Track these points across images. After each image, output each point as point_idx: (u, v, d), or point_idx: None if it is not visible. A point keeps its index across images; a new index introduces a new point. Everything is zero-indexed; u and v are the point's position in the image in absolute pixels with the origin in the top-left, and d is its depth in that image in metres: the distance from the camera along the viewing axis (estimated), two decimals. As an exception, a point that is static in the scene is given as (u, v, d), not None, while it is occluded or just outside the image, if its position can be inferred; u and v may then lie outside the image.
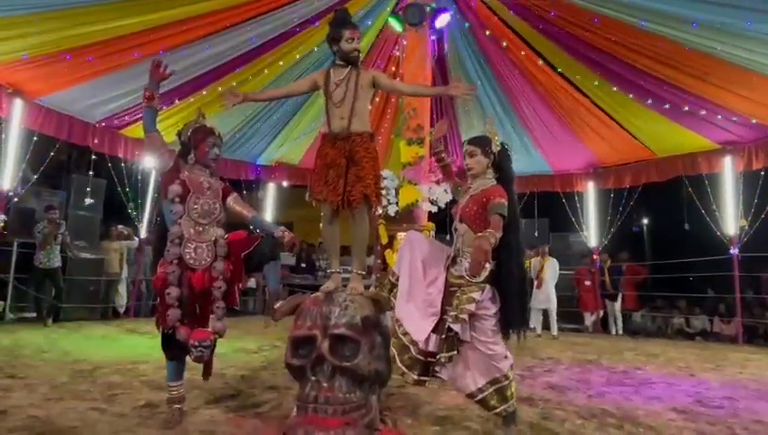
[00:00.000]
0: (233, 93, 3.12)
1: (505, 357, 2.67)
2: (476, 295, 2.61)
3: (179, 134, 3.17)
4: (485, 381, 2.64)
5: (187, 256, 2.89)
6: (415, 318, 2.70)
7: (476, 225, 2.65)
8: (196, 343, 2.74)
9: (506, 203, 2.63)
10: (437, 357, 2.64)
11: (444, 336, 2.63)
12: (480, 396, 2.65)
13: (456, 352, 2.61)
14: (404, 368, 2.67)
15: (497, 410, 2.68)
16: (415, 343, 2.66)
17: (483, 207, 2.65)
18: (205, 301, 2.91)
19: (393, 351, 2.70)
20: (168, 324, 2.80)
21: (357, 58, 3.01)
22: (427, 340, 2.68)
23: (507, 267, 2.67)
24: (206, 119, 3.22)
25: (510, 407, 2.68)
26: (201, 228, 2.98)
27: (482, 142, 2.83)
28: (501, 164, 2.83)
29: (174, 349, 2.88)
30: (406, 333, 2.68)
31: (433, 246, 2.93)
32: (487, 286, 2.66)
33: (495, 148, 2.80)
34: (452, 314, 2.61)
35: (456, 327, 2.57)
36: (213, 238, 2.99)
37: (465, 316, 2.56)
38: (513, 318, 2.69)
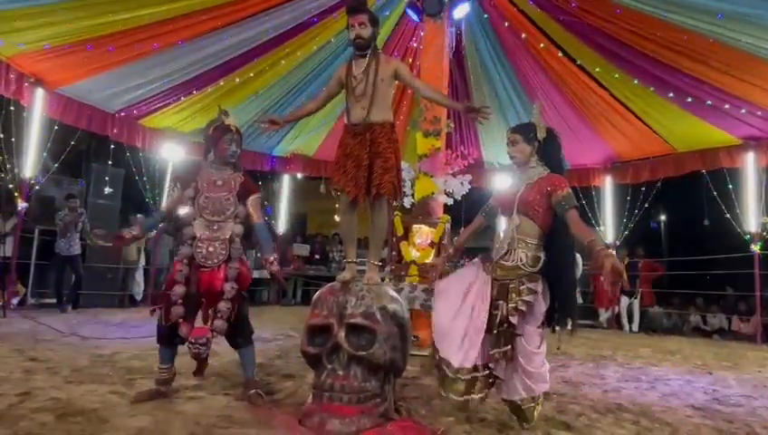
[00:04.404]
0: (272, 120, 3.15)
1: (544, 379, 2.60)
2: (537, 287, 2.54)
3: (203, 132, 3.28)
4: (518, 398, 2.61)
5: (199, 256, 2.99)
6: (470, 352, 2.62)
7: (537, 214, 2.57)
8: (193, 340, 2.87)
9: (572, 192, 2.56)
10: (492, 353, 2.58)
11: (496, 332, 2.57)
12: (513, 406, 2.65)
13: (509, 346, 2.55)
14: (474, 397, 2.62)
15: (521, 423, 2.68)
16: (477, 368, 2.62)
17: (545, 196, 2.56)
18: (211, 299, 2.99)
19: (453, 395, 2.62)
20: (170, 320, 2.94)
21: (361, 45, 2.95)
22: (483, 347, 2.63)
23: (562, 256, 2.61)
24: (229, 116, 3.26)
25: (529, 425, 2.65)
26: (216, 226, 3.05)
27: (524, 130, 2.75)
28: (547, 151, 2.73)
29: (167, 337, 3.04)
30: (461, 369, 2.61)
31: (462, 277, 2.82)
32: (542, 278, 2.59)
33: (540, 135, 2.72)
34: (511, 305, 2.53)
35: (514, 319, 2.51)
36: (228, 235, 3.04)
37: (524, 308, 2.51)
38: (565, 310, 2.65)
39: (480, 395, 2.64)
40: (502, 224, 2.76)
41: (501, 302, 2.58)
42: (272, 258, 3.13)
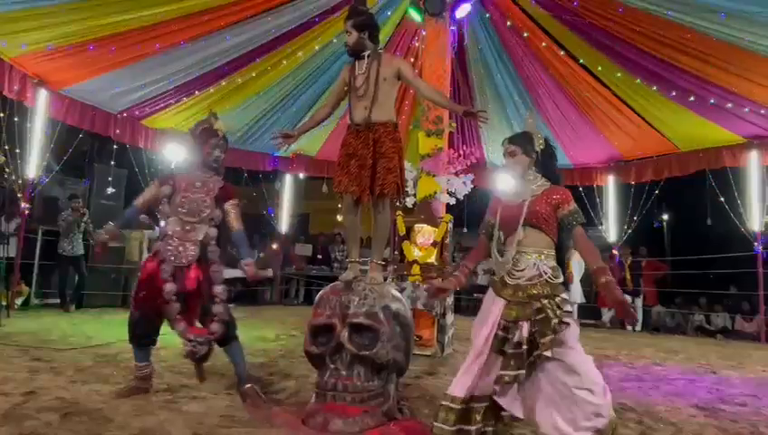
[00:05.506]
0: (286, 135, 3.13)
1: (598, 411, 2.24)
2: (567, 296, 2.41)
3: (190, 131, 3.25)
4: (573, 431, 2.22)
5: (168, 253, 2.96)
6: (462, 379, 2.43)
7: (549, 226, 2.48)
8: (192, 337, 2.88)
9: (578, 208, 2.49)
10: (501, 374, 2.30)
11: (511, 352, 2.30)
12: None
13: (522, 370, 2.25)
14: (468, 428, 2.34)
15: None
16: (474, 398, 2.39)
17: (553, 208, 2.49)
18: (191, 299, 2.99)
19: (442, 424, 2.34)
20: (170, 317, 2.95)
21: (350, 53, 2.98)
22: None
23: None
24: (218, 120, 3.24)
25: None
26: (189, 226, 3.02)
27: (523, 141, 2.64)
28: (544, 163, 2.64)
29: (141, 338, 3.05)
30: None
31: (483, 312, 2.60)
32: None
33: (538, 146, 2.62)
34: (554, 321, 2.25)
35: (563, 336, 2.25)
36: (201, 237, 3.02)
37: (569, 320, 2.29)
38: None
39: (476, 427, 2.35)
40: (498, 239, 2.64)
41: (522, 323, 2.31)
42: (247, 264, 3.09)
